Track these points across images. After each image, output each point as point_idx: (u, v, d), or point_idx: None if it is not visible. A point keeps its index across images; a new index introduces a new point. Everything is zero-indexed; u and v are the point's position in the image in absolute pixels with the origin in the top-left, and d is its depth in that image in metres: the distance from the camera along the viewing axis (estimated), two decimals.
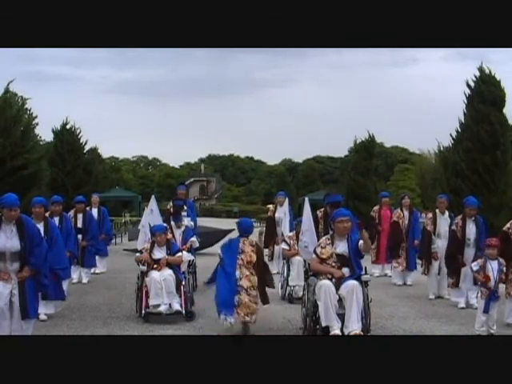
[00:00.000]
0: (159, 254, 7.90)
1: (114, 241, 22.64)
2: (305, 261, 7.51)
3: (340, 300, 6.26)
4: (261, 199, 75.30)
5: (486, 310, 6.73)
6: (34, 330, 6.47)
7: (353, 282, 6.29)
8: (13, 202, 5.79)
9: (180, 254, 8.09)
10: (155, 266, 7.77)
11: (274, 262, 12.81)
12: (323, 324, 6.21)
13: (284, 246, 9.73)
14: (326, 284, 6.29)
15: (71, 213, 11.11)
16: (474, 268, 7.00)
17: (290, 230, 10.48)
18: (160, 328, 7.13)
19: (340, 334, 6.10)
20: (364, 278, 6.43)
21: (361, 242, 6.50)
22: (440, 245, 9.75)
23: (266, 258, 12.75)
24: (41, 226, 7.15)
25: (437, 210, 10.04)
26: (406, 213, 11.54)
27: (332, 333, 6.13)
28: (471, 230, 8.87)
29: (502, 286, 7.16)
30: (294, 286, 9.11)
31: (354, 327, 6.08)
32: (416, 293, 10.30)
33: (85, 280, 11.15)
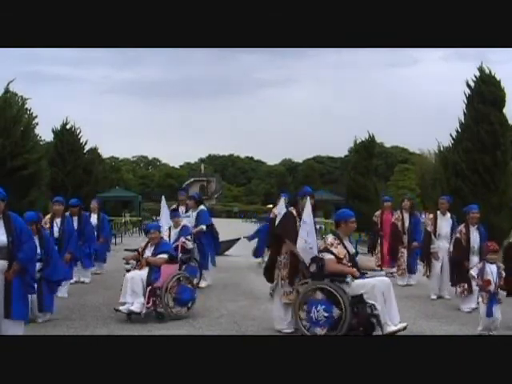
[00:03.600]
0: (148, 252, 8.04)
1: (114, 241, 22.75)
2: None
3: None
4: (261, 199, 75.32)
5: (489, 314, 6.72)
6: (34, 331, 6.49)
7: (387, 279, 6.55)
8: None
9: (163, 255, 7.97)
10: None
11: None
12: (382, 321, 6.25)
13: None
14: (379, 284, 6.38)
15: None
16: (474, 273, 6.98)
17: None
18: (160, 328, 7.14)
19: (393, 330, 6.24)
20: (387, 275, 6.69)
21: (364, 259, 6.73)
22: (441, 245, 9.75)
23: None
24: (36, 239, 7.15)
25: (438, 211, 10.05)
26: (406, 215, 11.52)
27: (390, 329, 6.23)
28: (475, 237, 8.82)
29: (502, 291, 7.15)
30: None
31: (398, 319, 6.33)
32: (416, 293, 10.30)
33: (85, 280, 11.15)
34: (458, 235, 8.94)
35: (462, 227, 8.99)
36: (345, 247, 6.65)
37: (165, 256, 7.96)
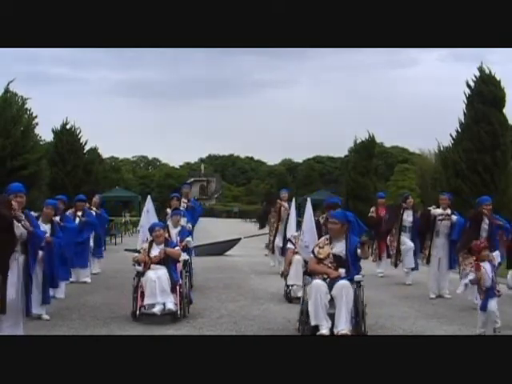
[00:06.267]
0: (156, 251, 7.87)
1: (114, 241, 22.76)
2: (305, 260, 7.56)
3: (332, 300, 6.34)
4: (261, 199, 75.34)
5: (483, 308, 6.71)
6: (34, 330, 6.49)
7: (343, 282, 6.37)
8: (18, 188, 5.82)
9: (178, 247, 8.09)
10: (152, 265, 7.73)
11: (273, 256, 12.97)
12: (312, 323, 6.31)
13: (289, 245, 9.71)
14: (316, 284, 6.41)
15: (71, 211, 11.15)
16: (471, 277, 6.94)
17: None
18: (160, 328, 7.13)
19: (327, 334, 6.18)
20: (356, 278, 6.49)
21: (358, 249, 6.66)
22: (440, 243, 9.75)
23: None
24: (48, 228, 7.42)
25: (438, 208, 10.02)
26: (409, 212, 11.50)
27: (319, 332, 6.22)
28: (484, 228, 8.71)
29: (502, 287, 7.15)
30: (292, 285, 9.09)
31: (343, 327, 6.17)
32: (416, 293, 10.30)
33: (87, 280, 11.12)
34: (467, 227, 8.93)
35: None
36: (332, 248, 6.69)
37: (179, 249, 8.05)
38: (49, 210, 7.74)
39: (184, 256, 8.64)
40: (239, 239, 19.16)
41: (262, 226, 13.90)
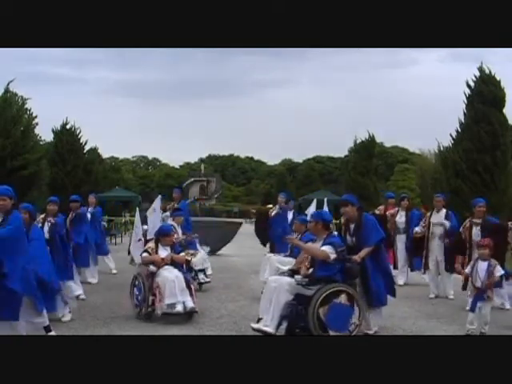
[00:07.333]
0: (163, 253, 7.97)
1: (114, 240, 22.76)
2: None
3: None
4: (261, 199, 75.38)
5: (472, 309, 6.68)
6: (34, 330, 6.48)
7: (282, 281, 6.53)
8: (1, 190, 5.74)
9: (183, 254, 8.23)
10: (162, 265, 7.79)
11: None
12: (259, 315, 6.58)
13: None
14: (269, 279, 6.80)
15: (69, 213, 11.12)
16: (467, 271, 6.96)
17: (285, 230, 10.64)
18: (160, 328, 7.13)
19: (255, 327, 6.43)
20: (295, 278, 6.58)
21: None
22: (434, 244, 9.74)
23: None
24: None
25: (434, 210, 10.02)
26: (403, 213, 11.48)
27: (251, 325, 6.55)
28: (478, 231, 8.61)
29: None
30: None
31: (267, 323, 6.37)
32: (416, 293, 10.30)
33: (92, 280, 11.11)
34: (461, 229, 8.91)
35: (467, 222, 8.90)
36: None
37: (184, 255, 8.25)
38: (21, 214, 7.62)
39: (206, 248, 9.24)
40: (240, 223, 19.45)
41: (264, 243, 13.46)
